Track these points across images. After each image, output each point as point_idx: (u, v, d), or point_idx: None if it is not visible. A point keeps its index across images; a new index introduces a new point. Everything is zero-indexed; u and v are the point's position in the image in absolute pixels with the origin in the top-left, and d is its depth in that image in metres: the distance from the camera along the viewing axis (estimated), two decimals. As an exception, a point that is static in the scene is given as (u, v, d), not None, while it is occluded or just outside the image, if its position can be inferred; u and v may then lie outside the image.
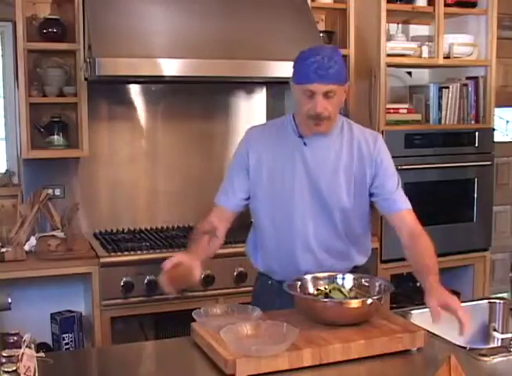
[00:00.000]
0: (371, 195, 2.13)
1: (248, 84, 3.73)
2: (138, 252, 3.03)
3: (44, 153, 3.23)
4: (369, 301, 1.83)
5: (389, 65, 3.57)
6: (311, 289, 1.98)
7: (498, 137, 4.18)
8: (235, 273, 3.11)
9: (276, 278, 2.17)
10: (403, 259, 3.33)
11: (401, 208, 2.11)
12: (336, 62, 1.94)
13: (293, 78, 2.03)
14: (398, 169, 2.21)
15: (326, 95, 1.95)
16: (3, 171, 3.46)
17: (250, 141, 2.16)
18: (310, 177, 2.07)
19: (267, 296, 2.18)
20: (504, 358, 1.77)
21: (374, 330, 1.80)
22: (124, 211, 3.55)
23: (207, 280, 3.05)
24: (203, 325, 1.81)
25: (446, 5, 3.64)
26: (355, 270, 2.17)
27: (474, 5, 3.76)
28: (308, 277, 2.01)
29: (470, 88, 3.80)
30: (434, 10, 3.60)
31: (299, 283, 1.98)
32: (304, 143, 2.08)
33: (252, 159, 2.12)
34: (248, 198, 2.18)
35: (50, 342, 3.23)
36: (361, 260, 2.21)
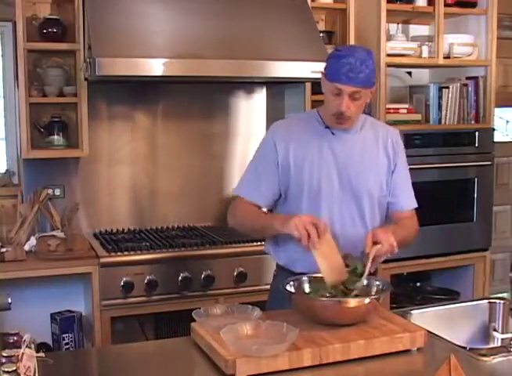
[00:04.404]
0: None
1: (248, 84, 3.73)
2: (138, 252, 3.03)
3: (44, 153, 3.23)
4: (367, 300, 1.83)
5: (389, 65, 3.57)
6: (307, 289, 1.98)
7: (498, 137, 4.19)
8: (235, 273, 3.11)
9: (297, 270, 2.15)
10: (403, 259, 3.33)
11: (403, 207, 2.22)
12: (367, 66, 2.01)
13: (325, 73, 2.09)
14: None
15: (352, 96, 2.03)
16: (3, 171, 3.46)
17: (276, 133, 2.21)
18: (338, 164, 2.14)
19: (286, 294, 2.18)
20: (504, 358, 1.77)
21: (374, 330, 1.80)
22: (124, 211, 3.55)
23: (207, 280, 3.05)
24: (203, 325, 1.81)
25: (446, 5, 3.64)
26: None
27: (474, 5, 3.76)
28: (306, 277, 2.01)
29: (470, 88, 3.80)
30: (434, 10, 3.60)
31: (296, 283, 1.98)
32: (332, 133, 2.15)
33: (280, 148, 2.17)
34: (277, 193, 2.20)
35: (50, 342, 3.23)
36: None
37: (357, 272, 1.95)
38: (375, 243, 1.93)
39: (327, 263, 1.92)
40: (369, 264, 1.92)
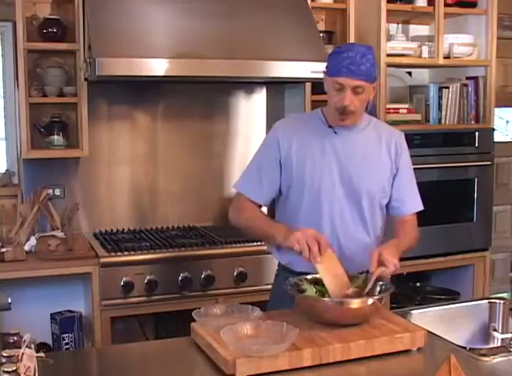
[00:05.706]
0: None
1: (248, 84, 3.73)
2: (138, 252, 3.03)
3: (44, 153, 3.23)
4: (370, 301, 1.83)
5: (389, 65, 3.57)
6: (310, 290, 1.98)
7: (498, 137, 4.18)
8: (235, 273, 3.11)
9: (298, 269, 2.14)
10: (403, 259, 3.32)
11: (407, 212, 2.22)
12: (368, 60, 2.02)
13: (326, 71, 2.10)
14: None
15: (355, 90, 2.03)
16: (3, 171, 3.46)
17: (279, 130, 2.22)
18: (340, 163, 2.13)
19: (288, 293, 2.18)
20: (504, 358, 1.77)
21: (374, 330, 1.80)
22: (124, 211, 3.55)
23: (207, 280, 3.05)
24: (203, 325, 1.81)
25: (446, 5, 3.64)
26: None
27: (474, 5, 3.76)
28: (309, 277, 2.00)
29: (470, 88, 3.80)
30: (434, 10, 3.60)
31: (298, 282, 1.98)
32: (335, 132, 2.15)
33: (283, 146, 2.17)
34: (278, 190, 2.20)
35: (50, 342, 3.23)
36: None
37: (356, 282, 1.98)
38: (380, 262, 1.92)
39: (331, 277, 1.93)
40: (371, 283, 1.92)
